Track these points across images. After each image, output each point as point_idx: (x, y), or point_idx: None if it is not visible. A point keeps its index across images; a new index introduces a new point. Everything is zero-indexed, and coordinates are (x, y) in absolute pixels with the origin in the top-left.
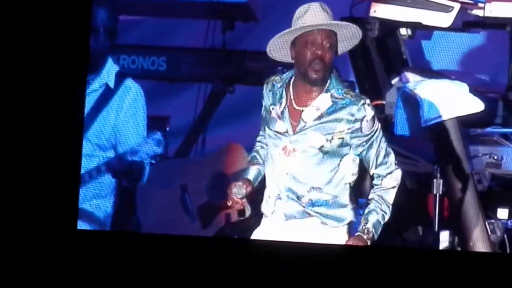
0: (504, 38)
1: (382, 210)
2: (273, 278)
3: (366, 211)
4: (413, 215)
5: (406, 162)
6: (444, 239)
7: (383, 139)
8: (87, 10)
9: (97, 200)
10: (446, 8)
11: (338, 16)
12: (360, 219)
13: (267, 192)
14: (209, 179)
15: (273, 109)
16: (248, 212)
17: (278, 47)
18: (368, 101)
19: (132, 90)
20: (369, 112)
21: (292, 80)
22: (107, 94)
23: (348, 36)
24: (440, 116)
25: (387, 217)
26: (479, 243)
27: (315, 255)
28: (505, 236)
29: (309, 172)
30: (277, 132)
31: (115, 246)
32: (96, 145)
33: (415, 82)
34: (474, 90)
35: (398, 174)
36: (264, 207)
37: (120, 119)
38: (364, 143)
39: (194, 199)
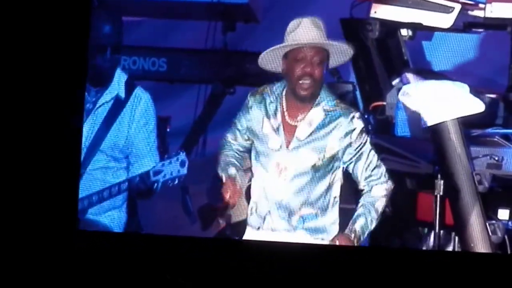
0: (504, 39)
1: (370, 216)
2: (272, 279)
3: (355, 215)
4: (414, 216)
5: (406, 163)
6: (445, 240)
7: (373, 152)
8: (87, 16)
9: (112, 211)
10: (446, 9)
11: (339, 17)
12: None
13: (253, 206)
14: (210, 180)
15: (267, 122)
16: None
17: (270, 60)
18: (358, 114)
19: (142, 100)
20: (359, 125)
21: (284, 92)
22: (119, 105)
23: (339, 51)
24: (440, 117)
25: (374, 224)
26: (480, 244)
27: (314, 255)
28: (506, 237)
29: (301, 189)
30: (270, 148)
31: (115, 247)
32: (111, 157)
33: (415, 82)
34: (475, 91)
35: (388, 185)
36: (250, 219)
37: (132, 129)
38: (353, 157)
39: (195, 200)
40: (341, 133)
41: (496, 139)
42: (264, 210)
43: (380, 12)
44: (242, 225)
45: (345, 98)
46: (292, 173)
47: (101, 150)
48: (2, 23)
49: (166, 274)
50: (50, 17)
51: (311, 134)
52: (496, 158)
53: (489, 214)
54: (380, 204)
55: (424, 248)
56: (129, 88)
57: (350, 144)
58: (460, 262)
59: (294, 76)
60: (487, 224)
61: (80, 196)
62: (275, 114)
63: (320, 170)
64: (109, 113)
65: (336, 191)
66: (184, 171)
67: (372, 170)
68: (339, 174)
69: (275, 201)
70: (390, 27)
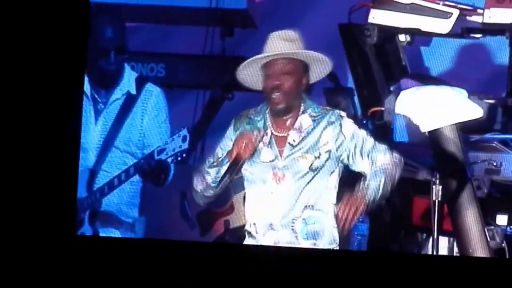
0: (503, 44)
1: (380, 178)
2: (271, 284)
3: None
4: (412, 222)
5: (405, 168)
6: (443, 245)
7: (369, 135)
8: (86, 18)
9: (132, 209)
10: (445, 14)
11: (337, 23)
12: (357, 226)
13: (251, 227)
14: None
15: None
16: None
17: (249, 75)
18: (342, 112)
19: (154, 93)
20: (346, 118)
21: (267, 109)
22: (130, 101)
23: (314, 59)
24: (439, 123)
25: (386, 189)
26: (478, 250)
27: (313, 260)
28: (504, 242)
29: (301, 193)
30: (265, 162)
31: (114, 252)
32: (127, 153)
33: (414, 88)
34: (473, 96)
35: (395, 156)
36: (250, 240)
37: (144, 123)
38: (350, 147)
39: (194, 206)
40: (330, 128)
41: (494, 145)
42: (264, 227)
43: (378, 17)
44: (241, 230)
45: (343, 103)
46: (291, 178)
47: (116, 147)
48: (1, 26)
49: (164, 278)
50: (49, 20)
51: (303, 138)
52: (495, 164)
53: (487, 219)
54: (389, 169)
55: (422, 253)
56: (140, 85)
57: (344, 138)
58: (459, 267)
59: (266, 91)
60: (485, 229)
61: (93, 189)
62: (265, 129)
63: (317, 170)
64: (121, 110)
65: (333, 196)
66: (185, 145)
67: (373, 148)
68: (335, 178)
69: (277, 212)
70: (388, 33)
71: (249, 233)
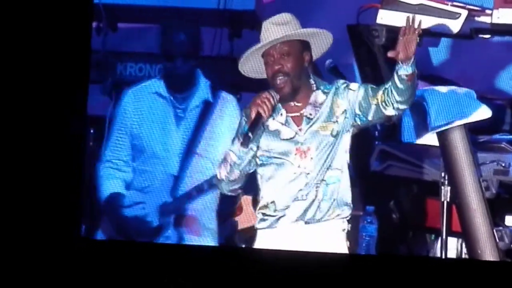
0: (511, 45)
1: None
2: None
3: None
4: (421, 223)
5: (413, 169)
6: (452, 246)
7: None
8: (88, 20)
9: (215, 213)
10: (453, 15)
11: (345, 24)
12: (365, 227)
13: (269, 206)
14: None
15: (272, 121)
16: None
17: (252, 67)
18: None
19: (229, 101)
20: (352, 84)
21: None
22: (208, 109)
23: (310, 35)
24: (447, 123)
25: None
26: (487, 251)
27: (321, 263)
28: None
29: (325, 158)
30: (286, 139)
31: (114, 252)
32: (207, 158)
33: (422, 89)
34: (482, 97)
35: None
36: (262, 223)
37: (223, 130)
38: (364, 98)
39: None
40: (341, 94)
41: (503, 145)
42: (288, 201)
43: (386, 18)
44: (249, 231)
45: None
46: (315, 151)
47: (198, 154)
48: (3, 28)
49: (164, 278)
50: (52, 23)
51: (319, 110)
52: (503, 164)
53: (496, 220)
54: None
55: (431, 254)
56: (214, 92)
57: (353, 95)
58: (467, 270)
59: (269, 78)
60: (494, 230)
61: (178, 195)
62: (278, 112)
63: (338, 134)
64: (200, 117)
65: (347, 157)
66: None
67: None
68: (348, 141)
69: (303, 183)
70: (397, 33)
71: (265, 214)
